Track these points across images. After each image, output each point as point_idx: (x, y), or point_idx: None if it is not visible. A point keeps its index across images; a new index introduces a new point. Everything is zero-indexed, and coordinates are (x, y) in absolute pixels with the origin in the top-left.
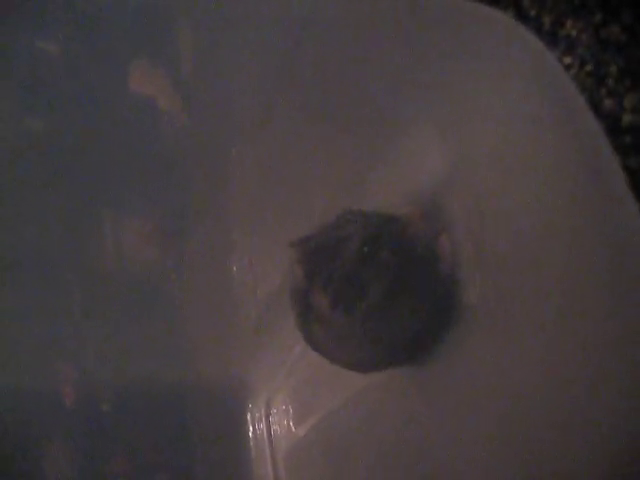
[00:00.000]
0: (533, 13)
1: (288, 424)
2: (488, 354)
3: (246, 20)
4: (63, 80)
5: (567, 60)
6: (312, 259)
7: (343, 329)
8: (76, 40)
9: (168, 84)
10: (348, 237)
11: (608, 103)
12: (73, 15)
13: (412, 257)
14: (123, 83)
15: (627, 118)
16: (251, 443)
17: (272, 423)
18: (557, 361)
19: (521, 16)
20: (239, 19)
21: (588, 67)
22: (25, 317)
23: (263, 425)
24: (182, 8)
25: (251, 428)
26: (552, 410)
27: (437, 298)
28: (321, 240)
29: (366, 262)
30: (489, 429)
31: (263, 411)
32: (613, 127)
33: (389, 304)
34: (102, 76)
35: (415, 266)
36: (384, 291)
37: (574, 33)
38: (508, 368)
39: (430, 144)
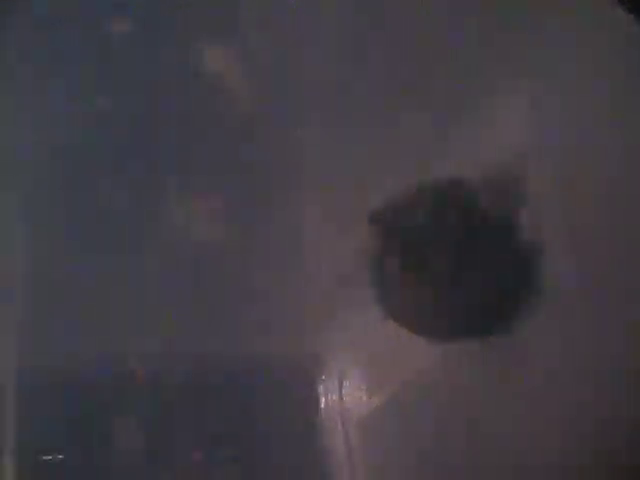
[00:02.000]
0: None
1: (360, 395)
2: (566, 333)
3: (317, 2)
4: (132, 60)
5: None
6: (385, 229)
7: (415, 294)
8: (146, 21)
9: (235, 64)
10: (418, 205)
11: None
12: None
13: (483, 226)
14: (191, 62)
15: None
16: (323, 414)
17: (344, 395)
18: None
19: None
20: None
21: None
22: (105, 289)
23: (336, 397)
24: None
25: (323, 399)
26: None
27: (514, 271)
28: (393, 211)
29: (434, 229)
30: (562, 410)
31: (336, 383)
32: None
33: (461, 271)
34: (170, 56)
35: (488, 236)
36: (454, 257)
37: None
38: (585, 350)
39: (512, 115)
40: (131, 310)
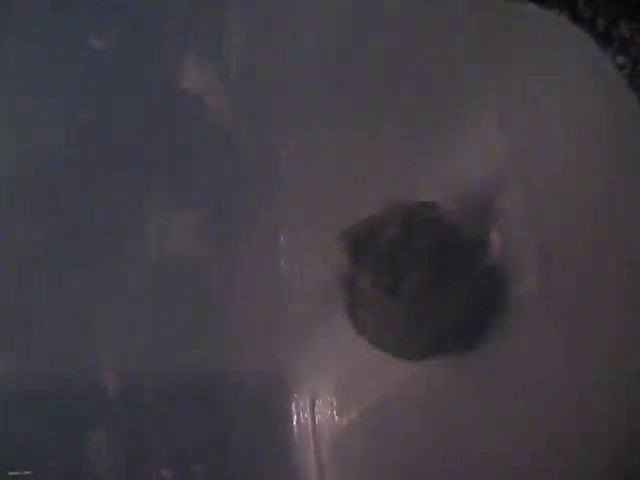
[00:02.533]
0: (588, 15)
1: (332, 414)
2: (535, 347)
3: (297, 20)
4: (115, 76)
5: (620, 60)
6: (356, 246)
7: (387, 312)
8: (128, 38)
9: (217, 81)
10: (388, 224)
11: None
12: (125, 14)
13: (453, 245)
14: (172, 80)
15: None
16: (295, 432)
17: (317, 413)
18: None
19: (576, 17)
20: (290, 19)
21: None
22: (80, 305)
23: (308, 415)
24: (232, 7)
25: (295, 417)
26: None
27: (484, 289)
28: (364, 229)
29: (404, 247)
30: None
31: (308, 401)
32: None
33: (431, 289)
34: (152, 73)
35: (458, 255)
36: (424, 275)
37: (627, 34)
38: (554, 362)
39: (487, 140)
40: (105, 325)
